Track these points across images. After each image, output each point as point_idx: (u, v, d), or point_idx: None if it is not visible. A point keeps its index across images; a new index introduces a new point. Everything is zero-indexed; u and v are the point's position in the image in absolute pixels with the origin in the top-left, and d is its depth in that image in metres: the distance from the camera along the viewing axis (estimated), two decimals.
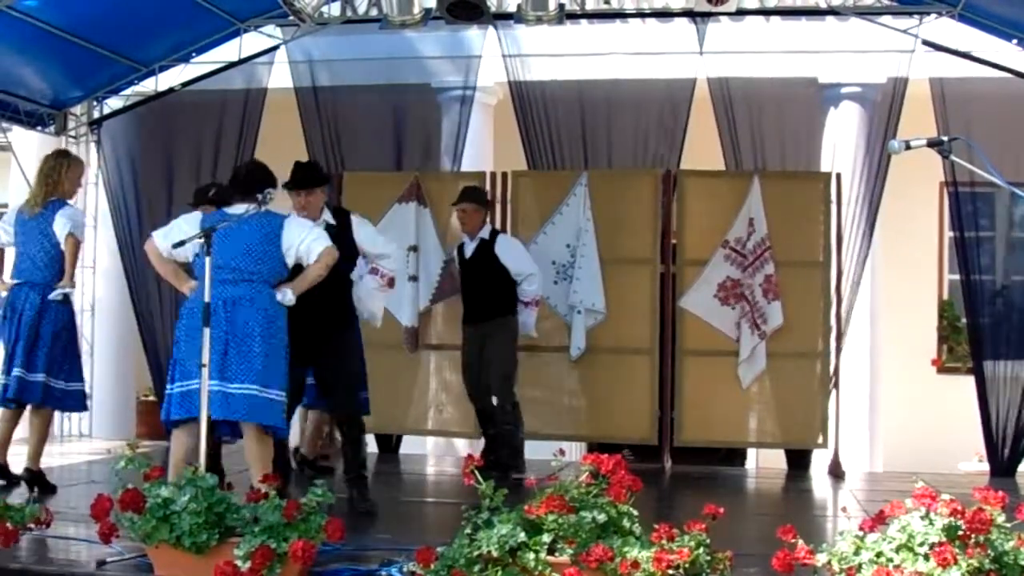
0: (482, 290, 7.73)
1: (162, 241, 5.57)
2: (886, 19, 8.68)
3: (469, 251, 7.77)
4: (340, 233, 6.09)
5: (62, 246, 6.67)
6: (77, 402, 7.08)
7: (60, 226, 6.65)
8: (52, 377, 6.71)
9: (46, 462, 7.69)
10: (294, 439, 7.44)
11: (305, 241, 5.48)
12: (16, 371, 6.61)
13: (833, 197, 8.63)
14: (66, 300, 6.82)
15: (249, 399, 5.27)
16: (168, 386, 5.49)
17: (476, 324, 7.77)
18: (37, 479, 6.74)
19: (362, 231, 6.21)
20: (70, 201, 6.97)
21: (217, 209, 5.82)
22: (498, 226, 8.93)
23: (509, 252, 7.72)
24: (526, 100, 9.33)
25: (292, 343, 5.84)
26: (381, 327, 7.12)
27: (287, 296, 5.47)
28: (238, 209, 5.50)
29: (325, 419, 7.93)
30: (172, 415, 5.42)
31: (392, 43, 9.54)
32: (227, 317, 5.30)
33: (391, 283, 6.46)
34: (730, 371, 8.54)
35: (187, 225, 5.54)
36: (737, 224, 8.57)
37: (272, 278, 5.46)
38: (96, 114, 9.89)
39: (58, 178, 6.77)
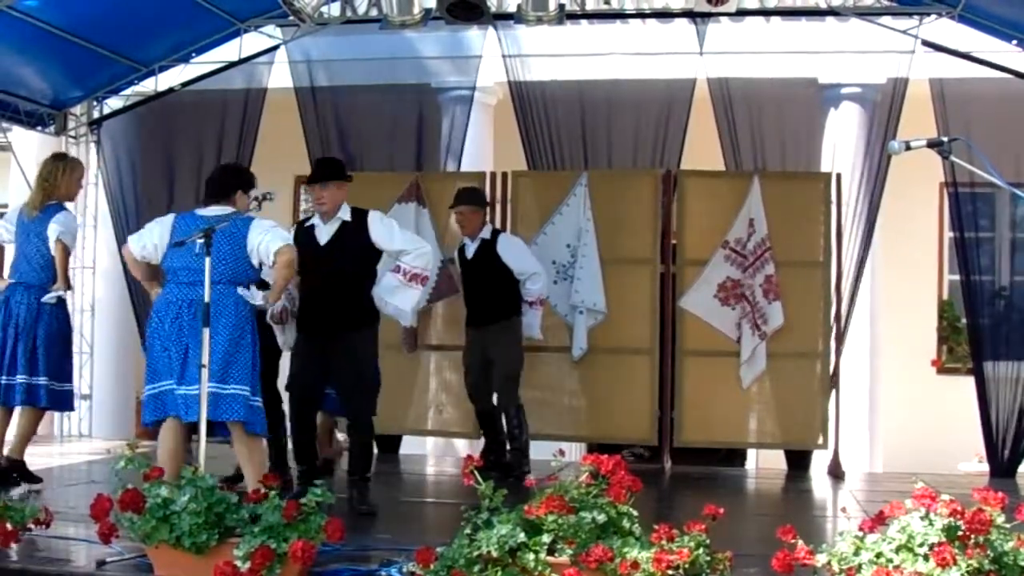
0: (485, 292, 7.64)
1: (135, 245, 5.67)
2: (886, 20, 8.68)
3: (470, 252, 7.68)
4: (355, 232, 6.07)
5: (53, 251, 6.73)
6: (70, 402, 7.21)
7: (51, 231, 6.70)
8: (53, 380, 6.78)
9: (46, 462, 7.72)
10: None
11: (263, 242, 5.49)
12: (20, 377, 6.68)
13: (833, 197, 8.63)
14: (60, 302, 6.87)
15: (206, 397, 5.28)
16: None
17: (480, 327, 7.69)
18: (17, 468, 6.77)
19: (375, 228, 6.10)
20: (70, 204, 7.02)
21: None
22: (498, 226, 8.94)
23: (511, 251, 7.62)
24: (526, 100, 9.33)
25: (305, 343, 6.00)
26: (381, 327, 7.10)
27: (254, 295, 5.51)
28: (209, 212, 5.60)
29: (331, 421, 7.95)
30: (146, 418, 5.54)
31: (392, 43, 9.54)
32: (190, 320, 5.39)
33: (416, 279, 6.14)
34: (730, 371, 8.53)
35: (159, 227, 5.63)
36: (737, 224, 8.57)
37: (238, 279, 5.50)
38: (96, 114, 9.89)
39: (55, 181, 6.83)
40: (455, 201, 7.69)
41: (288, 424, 6.36)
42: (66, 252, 6.83)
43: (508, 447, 7.61)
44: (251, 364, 5.48)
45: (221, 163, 9.04)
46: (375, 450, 8.02)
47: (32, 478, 6.80)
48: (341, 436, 8.51)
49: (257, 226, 5.56)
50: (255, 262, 5.55)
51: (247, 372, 5.44)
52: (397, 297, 6.13)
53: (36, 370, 6.70)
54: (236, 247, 5.48)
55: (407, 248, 6.13)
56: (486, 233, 7.66)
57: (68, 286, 6.95)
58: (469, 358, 7.83)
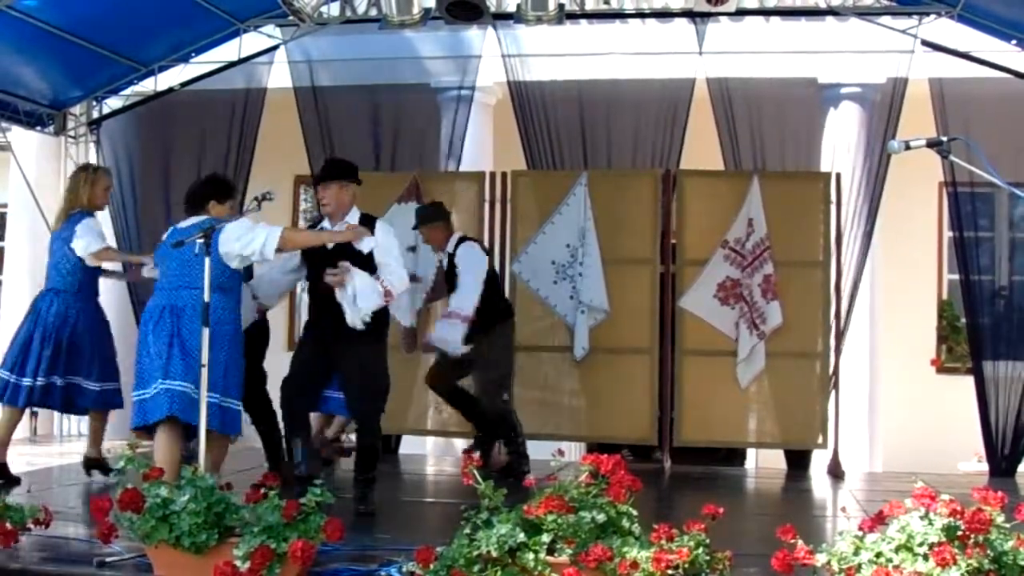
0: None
1: None
2: (885, 19, 8.68)
3: (445, 265, 7.60)
4: None
5: (86, 260, 6.96)
6: (120, 399, 7.32)
7: (78, 248, 6.93)
8: (105, 381, 7.13)
9: (46, 461, 7.73)
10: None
11: (252, 242, 5.67)
12: (40, 379, 6.90)
13: (833, 197, 8.63)
14: (90, 306, 7.11)
15: (184, 396, 5.53)
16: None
17: (469, 339, 7.49)
18: (98, 465, 7.18)
19: (380, 235, 6.04)
20: (98, 213, 7.26)
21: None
22: (498, 226, 8.96)
23: (462, 260, 7.37)
24: (526, 100, 9.32)
25: (311, 345, 6.08)
26: None
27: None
28: (186, 223, 5.90)
29: (326, 420, 7.96)
30: (132, 424, 5.80)
31: (391, 43, 9.54)
32: (172, 321, 5.65)
33: (389, 296, 5.97)
34: (730, 371, 8.54)
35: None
36: (736, 224, 8.57)
37: (217, 283, 5.59)
38: (95, 114, 9.88)
39: (77, 192, 7.09)
40: (415, 223, 7.59)
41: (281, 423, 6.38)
42: (106, 252, 7.05)
43: (506, 451, 7.59)
44: (224, 368, 5.64)
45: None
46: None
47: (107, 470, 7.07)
48: (340, 436, 8.52)
49: (227, 232, 5.70)
50: (234, 264, 5.75)
51: (219, 376, 5.58)
52: (368, 297, 5.91)
53: (56, 371, 6.91)
54: (210, 253, 5.58)
55: (393, 266, 6.00)
56: (451, 245, 7.48)
57: (141, 261, 7.10)
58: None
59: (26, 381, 6.86)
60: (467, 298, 7.26)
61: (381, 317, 6.08)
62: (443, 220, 7.57)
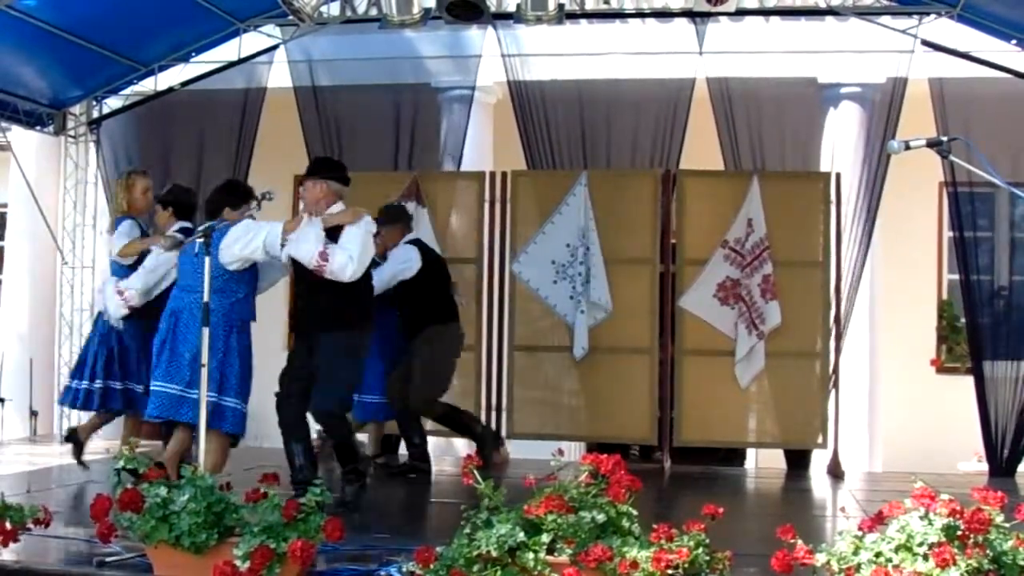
0: (405, 304, 7.50)
1: None
2: (885, 19, 8.69)
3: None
4: (338, 234, 6.06)
5: (121, 262, 7.00)
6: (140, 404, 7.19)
7: (112, 251, 7.07)
8: (135, 384, 7.06)
9: (46, 461, 7.71)
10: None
11: (251, 246, 5.84)
12: (98, 382, 7.00)
13: (833, 197, 8.63)
14: (139, 308, 6.98)
15: (165, 396, 5.79)
16: None
17: (410, 340, 7.57)
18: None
19: (363, 223, 6.11)
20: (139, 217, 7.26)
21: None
22: (498, 226, 8.95)
23: (389, 256, 7.42)
24: (526, 100, 9.33)
25: (297, 344, 6.10)
26: None
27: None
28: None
29: (376, 428, 8.01)
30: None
31: (392, 43, 9.55)
32: (169, 324, 5.89)
33: (321, 256, 5.92)
34: (730, 371, 8.53)
35: None
36: (736, 224, 8.57)
37: (218, 286, 5.70)
38: (95, 114, 9.90)
39: (118, 199, 7.24)
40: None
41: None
42: (131, 243, 6.98)
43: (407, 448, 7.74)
44: (219, 369, 5.77)
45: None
46: (363, 445, 8.02)
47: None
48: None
49: (231, 237, 5.85)
50: (236, 265, 5.89)
51: (214, 378, 5.67)
52: (303, 243, 5.92)
53: (111, 376, 7.01)
54: (212, 258, 5.62)
55: (346, 248, 5.97)
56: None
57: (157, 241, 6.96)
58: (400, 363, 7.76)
59: (81, 384, 7.03)
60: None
61: (355, 307, 6.07)
62: (403, 223, 7.62)
